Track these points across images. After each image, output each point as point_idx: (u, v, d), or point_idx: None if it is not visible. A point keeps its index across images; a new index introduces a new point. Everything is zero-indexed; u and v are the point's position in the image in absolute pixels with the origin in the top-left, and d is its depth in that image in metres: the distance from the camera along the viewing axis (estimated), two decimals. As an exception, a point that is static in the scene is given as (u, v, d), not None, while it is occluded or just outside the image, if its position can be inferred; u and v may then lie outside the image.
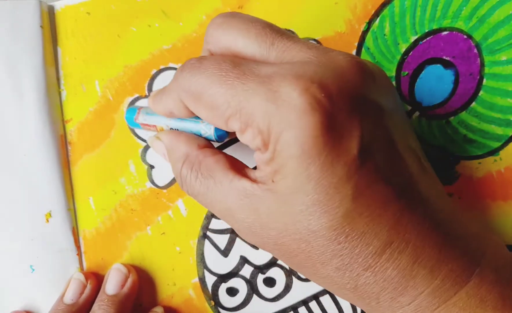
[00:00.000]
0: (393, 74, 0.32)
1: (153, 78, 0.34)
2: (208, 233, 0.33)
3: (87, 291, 0.32)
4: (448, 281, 0.22)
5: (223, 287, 0.33)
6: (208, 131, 0.26)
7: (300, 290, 0.33)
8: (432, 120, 0.32)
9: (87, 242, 0.34)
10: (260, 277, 0.33)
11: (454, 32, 0.32)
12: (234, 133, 0.24)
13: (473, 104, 0.32)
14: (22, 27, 0.33)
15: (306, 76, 0.21)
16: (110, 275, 0.32)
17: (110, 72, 0.34)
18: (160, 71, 0.34)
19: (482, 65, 0.32)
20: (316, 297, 0.33)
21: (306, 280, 0.33)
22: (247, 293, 0.33)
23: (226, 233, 0.33)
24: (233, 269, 0.33)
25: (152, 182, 0.34)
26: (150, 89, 0.34)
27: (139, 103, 0.34)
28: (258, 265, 0.33)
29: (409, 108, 0.32)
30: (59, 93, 0.34)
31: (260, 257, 0.33)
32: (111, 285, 0.32)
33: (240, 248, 0.33)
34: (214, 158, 0.25)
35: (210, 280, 0.33)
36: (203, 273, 0.33)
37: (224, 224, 0.33)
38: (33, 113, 0.33)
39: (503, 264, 0.24)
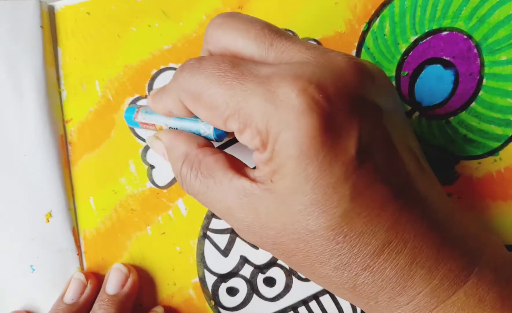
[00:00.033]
0: (393, 74, 0.32)
1: (153, 78, 0.34)
2: (208, 233, 0.33)
3: (88, 291, 0.32)
4: (446, 281, 0.22)
5: (223, 287, 0.33)
6: (208, 130, 0.27)
7: (300, 290, 0.33)
8: (432, 120, 0.32)
9: (88, 242, 0.34)
10: (260, 277, 0.33)
11: (454, 32, 0.32)
12: (233, 133, 0.24)
13: (473, 104, 0.32)
14: (22, 27, 0.33)
15: (305, 76, 0.21)
16: (110, 275, 0.33)
17: (110, 72, 0.34)
18: (161, 71, 0.34)
19: (482, 65, 0.32)
20: (316, 296, 0.33)
21: (306, 280, 0.33)
22: (247, 293, 0.33)
23: (226, 233, 0.33)
24: (233, 269, 0.33)
25: (152, 182, 0.34)
26: (150, 89, 0.34)
27: (139, 103, 0.34)
28: (258, 265, 0.33)
29: (409, 108, 0.32)
30: (59, 93, 0.34)
31: (260, 257, 0.33)
32: (112, 285, 0.32)
33: (240, 248, 0.33)
34: (213, 157, 0.25)
35: (210, 280, 0.33)
36: (203, 273, 0.33)
37: (224, 224, 0.33)
38: (33, 113, 0.33)
39: (502, 264, 0.24)
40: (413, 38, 0.32)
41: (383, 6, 0.33)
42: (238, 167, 0.25)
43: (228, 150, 0.33)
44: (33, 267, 0.33)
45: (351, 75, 0.22)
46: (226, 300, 0.33)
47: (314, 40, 0.33)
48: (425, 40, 0.32)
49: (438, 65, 0.32)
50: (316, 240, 0.22)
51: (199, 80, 0.23)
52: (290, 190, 0.22)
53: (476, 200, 0.32)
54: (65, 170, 0.34)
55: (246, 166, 0.25)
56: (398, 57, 0.32)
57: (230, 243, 0.33)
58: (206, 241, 0.33)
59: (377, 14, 0.33)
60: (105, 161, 0.34)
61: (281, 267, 0.33)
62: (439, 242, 0.22)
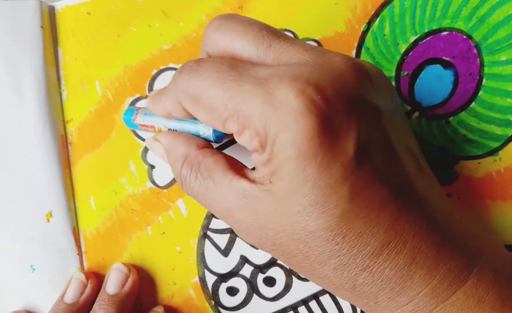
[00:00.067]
0: (393, 74, 0.32)
1: (153, 78, 0.34)
2: (209, 233, 0.33)
3: (88, 290, 0.32)
4: (446, 281, 0.22)
5: (223, 286, 0.33)
6: (207, 132, 0.27)
7: (300, 290, 0.33)
8: (432, 120, 0.32)
9: (88, 242, 0.34)
10: (260, 277, 0.33)
11: (453, 32, 0.32)
12: (232, 134, 0.24)
13: (473, 104, 0.32)
14: (22, 28, 0.33)
15: (303, 78, 0.21)
16: (110, 275, 0.33)
17: (110, 72, 0.34)
18: (161, 71, 0.34)
19: (482, 65, 0.32)
20: (316, 296, 0.33)
21: (306, 279, 0.33)
22: (247, 293, 0.33)
23: (226, 233, 0.33)
24: (233, 269, 0.33)
25: (153, 182, 0.34)
26: (151, 89, 0.34)
27: (140, 104, 0.34)
28: (258, 264, 0.33)
29: (409, 108, 0.32)
30: (60, 93, 0.34)
31: (260, 256, 0.33)
32: (112, 285, 0.32)
33: (240, 248, 0.33)
34: (213, 158, 0.25)
35: (210, 279, 0.33)
36: (204, 272, 0.33)
37: (224, 224, 0.33)
38: (34, 113, 0.33)
39: (502, 264, 0.24)
40: (413, 38, 0.32)
41: (383, 6, 0.33)
42: (238, 168, 0.25)
43: (227, 151, 0.33)
44: (33, 267, 0.33)
45: (349, 76, 0.22)
46: (226, 300, 0.33)
47: (314, 40, 0.33)
48: (425, 40, 0.32)
49: (438, 65, 0.32)
50: (315, 241, 0.22)
51: (197, 82, 0.23)
52: (289, 191, 0.22)
53: (476, 200, 0.32)
54: (66, 170, 0.34)
55: (246, 167, 0.25)
56: (398, 57, 0.32)
57: (230, 243, 0.33)
58: (206, 241, 0.33)
59: (377, 14, 0.33)
60: (106, 161, 0.34)
61: (281, 267, 0.33)
62: (438, 242, 0.22)
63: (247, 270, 0.33)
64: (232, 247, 0.33)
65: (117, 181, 0.34)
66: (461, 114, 0.32)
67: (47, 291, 0.33)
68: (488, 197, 0.31)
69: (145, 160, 0.34)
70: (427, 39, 0.32)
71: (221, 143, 0.33)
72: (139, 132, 0.34)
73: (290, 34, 0.33)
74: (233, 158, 0.26)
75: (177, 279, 0.33)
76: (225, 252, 0.33)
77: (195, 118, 0.26)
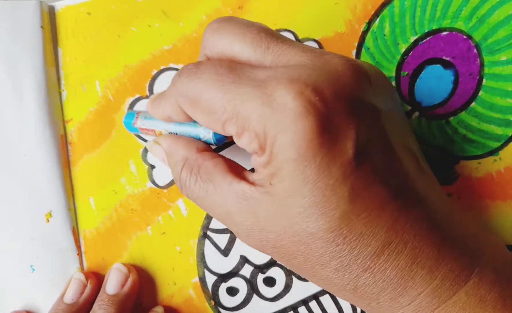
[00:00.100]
0: (393, 74, 0.32)
1: (154, 78, 0.34)
2: (209, 233, 0.33)
3: (87, 290, 0.32)
4: (447, 281, 0.22)
5: (223, 286, 0.33)
6: (207, 135, 0.27)
7: (300, 290, 0.33)
8: (432, 120, 0.32)
9: (88, 242, 0.34)
10: (260, 277, 0.33)
11: (453, 32, 0.32)
12: (232, 136, 0.24)
13: (473, 104, 0.32)
14: (22, 27, 0.33)
15: (301, 79, 0.21)
16: (110, 275, 0.33)
17: (110, 72, 0.34)
18: (161, 71, 0.34)
19: (482, 65, 0.32)
20: (316, 296, 0.33)
21: (306, 280, 0.33)
22: (247, 293, 0.33)
23: (226, 233, 0.33)
24: (233, 269, 0.33)
25: (153, 182, 0.34)
26: (151, 89, 0.34)
27: (140, 104, 0.34)
28: (258, 264, 0.33)
29: (409, 108, 0.32)
30: (60, 93, 0.34)
31: (260, 256, 0.33)
32: (112, 285, 0.32)
33: (240, 248, 0.33)
34: (213, 161, 0.25)
35: (210, 279, 0.33)
36: (203, 272, 0.33)
37: (224, 224, 0.33)
38: (33, 113, 0.33)
39: (503, 264, 0.24)
40: (413, 38, 0.32)
41: (383, 6, 0.33)
42: (237, 171, 0.25)
43: (226, 151, 0.33)
44: (33, 267, 0.33)
45: (348, 77, 0.22)
46: (226, 300, 0.33)
47: (314, 40, 0.33)
48: (425, 40, 0.32)
49: (438, 65, 0.32)
50: (316, 242, 0.22)
51: (196, 85, 0.23)
52: (289, 192, 0.22)
53: (476, 200, 0.32)
54: (65, 170, 0.34)
55: (245, 169, 0.25)
56: (398, 57, 0.32)
57: (230, 243, 0.33)
58: (206, 241, 0.33)
59: (377, 14, 0.33)
60: (106, 161, 0.34)
61: (281, 267, 0.33)
62: (439, 242, 0.22)
63: (247, 270, 0.33)
64: (232, 247, 0.33)
65: (117, 181, 0.34)
66: (461, 114, 0.32)
67: (47, 291, 0.33)
68: (488, 197, 0.32)
69: (145, 160, 0.34)
70: (427, 39, 0.32)
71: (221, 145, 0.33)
72: (139, 135, 0.34)
73: (290, 34, 0.33)
74: (233, 161, 0.26)
75: (177, 279, 0.33)
76: (225, 252, 0.33)
77: (195, 121, 0.26)
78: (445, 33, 0.32)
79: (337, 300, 0.33)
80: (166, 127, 0.28)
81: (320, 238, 0.22)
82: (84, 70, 0.34)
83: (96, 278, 0.33)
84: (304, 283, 0.33)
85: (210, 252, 0.33)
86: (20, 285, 0.33)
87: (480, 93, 0.32)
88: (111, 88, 0.34)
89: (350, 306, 0.33)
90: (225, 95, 0.22)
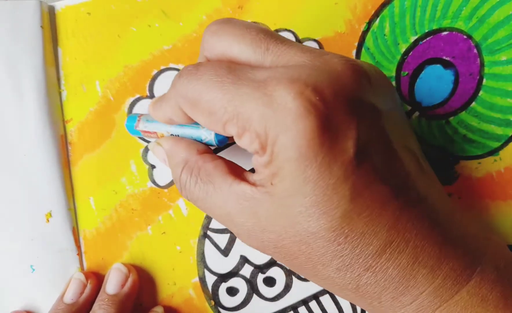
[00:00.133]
0: (393, 74, 0.32)
1: (154, 78, 0.34)
2: (209, 233, 0.33)
3: (87, 290, 0.32)
4: (449, 280, 0.22)
5: (223, 286, 0.33)
6: (209, 136, 0.27)
7: (300, 290, 0.33)
8: (432, 120, 0.32)
9: (88, 242, 0.34)
10: (260, 277, 0.33)
11: (454, 32, 0.32)
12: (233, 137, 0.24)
13: (473, 104, 0.32)
14: (22, 27, 0.33)
15: (301, 79, 0.21)
16: (110, 275, 0.33)
17: (110, 72, 0.34)
18: (161, 71, 0.34)
19: (482, 65, 0.32)
20: (316, 296, 0.33)
21: (306, 279, 0.33)
22: (247, 293, 0.33)
23: (227, 233, 0.33)
24: (233, 269, 0.33)
25: (153, 182, 0.34)
26: (151, 89, 0.34)
27: (140, 104, 0.34)
28: (258, 264, 0.33)
29: (409, 108, 0.32)
30: (60, 93, 0.34)
31: (260, 256, 0.33)
32: (112, 285, 0.32)
33: (240, 248, 0.33)
34: (213, 163, 0.25)
35: (210, 279, 0.33)
36: (203, 272, 0.33)
37: (225, 224, 0.33)
38: (33, 113, 0.33)
39: (505, 264, 0.24)
40: (413, 38, 0.32)
41: (383, 6, 0.33)
42: (238, 172, 0.25)
43: (226, 153, 0.33)
44: (33, 267, 0.33)
45: (348, 77, 0.22)
46: (226, 300, 0.33)
47: (314, 40, 0.33)
48: (425, 40, 0.32)
49: (438, 65, 0.32)
50: (318, 241, 0.22)
51: (196, 86, 0.23)
52: (290, 192, 0.22)
53: (476, 200, 0.32)
54: (65, 170, 0.34)
55: (245, 171, 0.25)
56: (398, 57, 0.32)
57: (230, 243, 0.33)
58: (207, 240, 0.33)
59: (377, 14, 0.33)
60: (106, 161, 0.34)
61: (281, 267, 0.33)
62: (441, 241, 0.22)
63: (247, 270, 0.33)
64: (232, 247, 0.33)
65: (117, 181, 0.34)
66: (461, 114, 0.32)
67: (46, 291, 0.33)
68: (489, 197, 0.32)
69: (145, 160, 0.34)
70: (427, 39, 0.32)
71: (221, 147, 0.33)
72: (141, 137, 0.34)
73: (290, 34, 0.33)
74: (233, 163, 0.26)
75: (177, 279, 0.33)
76: (225, 252, 0.33)
77: (197, 123, 0.26)
78: (445, 33, 0.32)
79: (337, 300, 0.33)
80: (168, 129, 0.28)
81: (322, 237, 0.22)
82: (84, 70, 0.34)
83: (96, 278, 0.33)
84: (304, 283, 0.33)
85: (210, 252, 0.33)
86: (20, 285, 0.33)
87: (480, 93, 0.32)
88: (111, 88, 0.34)
89: (350, 306, 0.33)
90: (225, 96, 0.22)
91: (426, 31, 0.32)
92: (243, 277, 0.33)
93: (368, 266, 0.22)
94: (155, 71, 0.34)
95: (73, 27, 0.34)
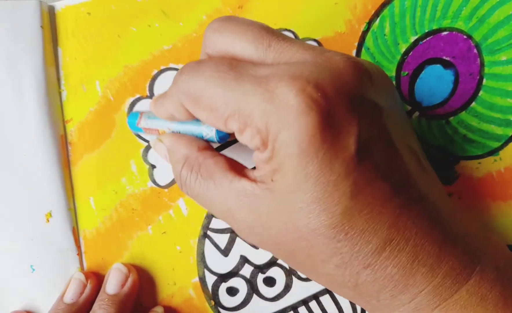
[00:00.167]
0: (393, 74, 0.32)
1: (154, 78, 0.34)
2: (209, 233, 0.33)
3: (87, 290, 0.32)
4: (448, 279, 0.22)
5: (223, 286, 0.33)
6: (210, 133, 0.27)
7: (300, 290, 0.33)
8: (432, 120, 0.32)
9: (88, 242, 0.34)
10: (260, 277, 0.33)
11: (454, 32, 0.32)
12: (234, 133, 0.24)
13: (473, 104, 0.32)
14: (22, 27, 0.33)
15: (303, 76, 0.21)
16: (110, 275, 0.33)
17: (110, 72, 0.34)
18: (161, 71, 0.34)
19: (482, 65, 0.32)
20: (316, 296, 0.33)
21: (306, 279, 0.33)
22: (247, 293, 0.33)
23: (227, 233, 0.33)
24: (233, 269, 0.33)
25: (154, 182, 0.34)
26: (151, 89, 0.34)
27: (140, 104, 0.34)
28: (258, 264, 0.33)
29: (409, 108, 0.32)
30: (60, 93, 0.34)
31: (260, 256, 0.33)
32: (112, 285, 0.32)
33: (240, 248, 0.33)
34: (213, 159, 0.25)
35: (210, 279, 0.33)
36: (203, 272, 0.33)
37: (225, 224, 0.33)
38: (33, 113, 0.33)
39: (504, 264, 0.24)
40: (413, 38, 0.32)
41: (383, 6, 0.33)
42: (238, 169, 0.25)
43: (226, 151, 0.33)
44: (33, 267, 0.33)
45: (349, 74, 0.22)
46: (226, 300, 0.33)
47: (314, 40, 0.33)
48: (425, 40, 0.32)
49: (438, 65, 0.32)
50: (318, 238, 0.22)
51: (198, 82, 0.23)
52: (291, 188, 0.22)
53: (476, 200, 0.32)
54: (65, 170, 0.34)
55: (246, 167, 0.25)
56: (398, 57, 0.32)
57: (230, 243, 0.33)
58: (207, 240, 0.33)
59: (377, 14, 0.33)
60: (106, 161, 0.34)
61: (281, 267, 0.33)
62: (441, 240, 0.22)
63: (247, 270, 0.33)
64: (232, 247, 0.33)
65: (117, 181, 0.34)
66: (461, 114, 0.32)
67: (46, 291, 0.33)
68: (489, 197, 0.32)
69: (146, 160, 0.34)
70: (427, 39, 0.32)
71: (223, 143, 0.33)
72: (143, 135, 0.34)
73: (290, 34, 0.33)
74: (233, 160, 0.26)
75: (177, 279, 0.33)
76: (225, 252, 0.33)
77: (198, 120, 0.27)
78: (445, 33, 0.32)
79: (337, 300, 0.33)
80: (169, 126, 0.28)
81: (322, 234, 0.22)
82: (84, 70, 0.34)
83: (96, 278, 0.33)
84: (304, 283, 0.33)
85: (210, 252, 0.33)
86: (20, 285, 0.33)
87: (480, 93, 0.32)
88: (111, 88, 0.34)
89: (350, 306, 0.33)
90: (227, 92, 0.22)
91: (426, 31, 0.32)
92: (243, 277, 0.33)
93: (368, 264, 0.22)
94: (155, 71, 0.34)
95: (73, 27, 0.34)
